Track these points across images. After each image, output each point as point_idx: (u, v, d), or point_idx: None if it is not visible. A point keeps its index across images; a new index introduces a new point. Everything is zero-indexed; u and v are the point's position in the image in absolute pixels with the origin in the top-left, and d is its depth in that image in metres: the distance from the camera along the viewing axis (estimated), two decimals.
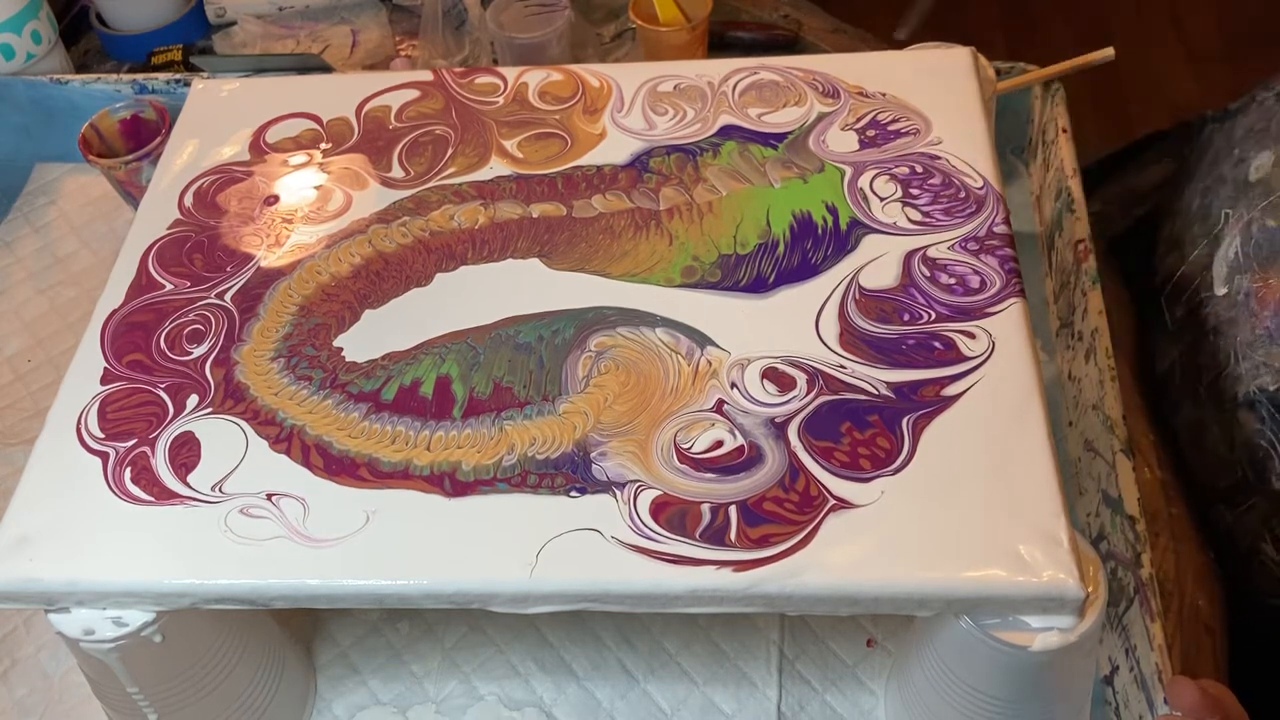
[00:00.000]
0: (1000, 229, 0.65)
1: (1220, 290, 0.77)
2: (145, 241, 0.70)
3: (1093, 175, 0.83)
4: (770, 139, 0.72)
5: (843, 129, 0.72)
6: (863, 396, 0.59)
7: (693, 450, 0.58)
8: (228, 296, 0.67)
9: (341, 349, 0.64)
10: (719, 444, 0.58)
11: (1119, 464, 0.68)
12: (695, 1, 0.97)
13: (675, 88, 0.76)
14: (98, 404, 0.62)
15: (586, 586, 0.54)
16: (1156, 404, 0.81)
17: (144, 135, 0.91)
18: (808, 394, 0.59)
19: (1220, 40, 1.86)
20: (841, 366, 0.60)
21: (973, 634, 0.54)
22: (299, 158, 0.75)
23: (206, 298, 0.67)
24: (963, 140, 0.70)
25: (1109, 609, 0.65)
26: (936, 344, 0.60)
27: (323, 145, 0.75)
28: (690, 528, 0.55)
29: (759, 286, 0.64)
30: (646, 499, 0.56)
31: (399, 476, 0.58)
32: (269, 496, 0.58)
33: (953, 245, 0.65)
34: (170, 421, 0.61)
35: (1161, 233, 0.85)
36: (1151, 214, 0.87)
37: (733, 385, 0.60)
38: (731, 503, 0.55)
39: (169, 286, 0.68)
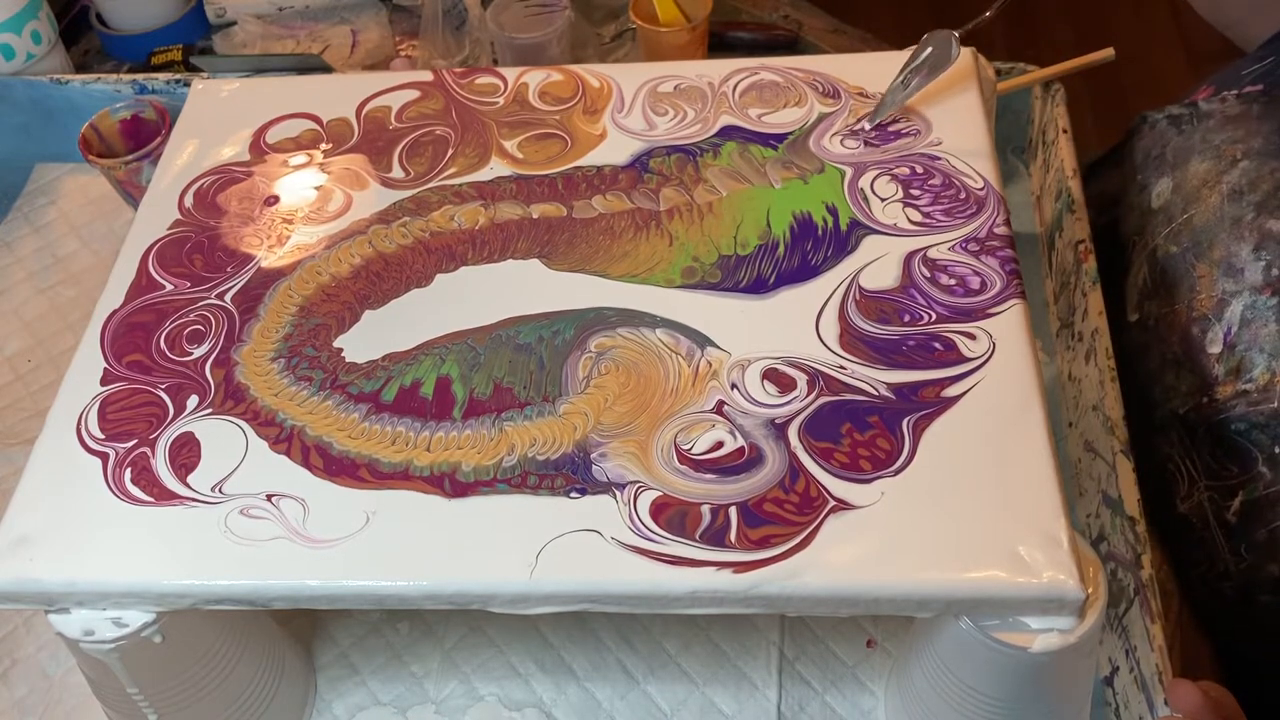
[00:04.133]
0: (1001, 230, 0.65)
1: (1132, 316, 0.78)
2: (145, 242, 0.70)
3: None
4: (770, 139, 0.72)
5: (843, 129, 0.72)
6: (863, 397, 0.59)
7: (693, 451, 0.58)
8: (228, 297, 0.67)
9: (341, 349, 0.64)
10: (719, 445, 0.58)
11: (1119, 465, 0.68)
12: (695, 1, 0.97)
13: (675, 88, 0.76)
14: (98, 404, 0.62)
15: (586, 587, 0.54)
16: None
17: (144, 135, 0.91)
18: (808, 395, 0.59)
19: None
20: (842, 367, 0.60)
21: (972, 635, 0.54)
22: (299, 158, 0.75)
23: (207, 298, 0.67)
24: (963, 141, 0.70)
25: (1109, 610, 0.65)
26: (937, 345, 0.60)
27: (323, 145, 0.75)
28: (690, 529, 0.55)
29: (759, 287, 0.64)
30: (646, 500, 0.56)
31: (399, 477, 0.58)
32: (269, 497, 0.58)
33: (953, 246, 0.65)
34: (170, 422, 0.61)
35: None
36: (1109, 224, 0.88)
37: (733, 386, 0.60)
38: (732, 504, 0.55)
39: (169, 287, 0.68)
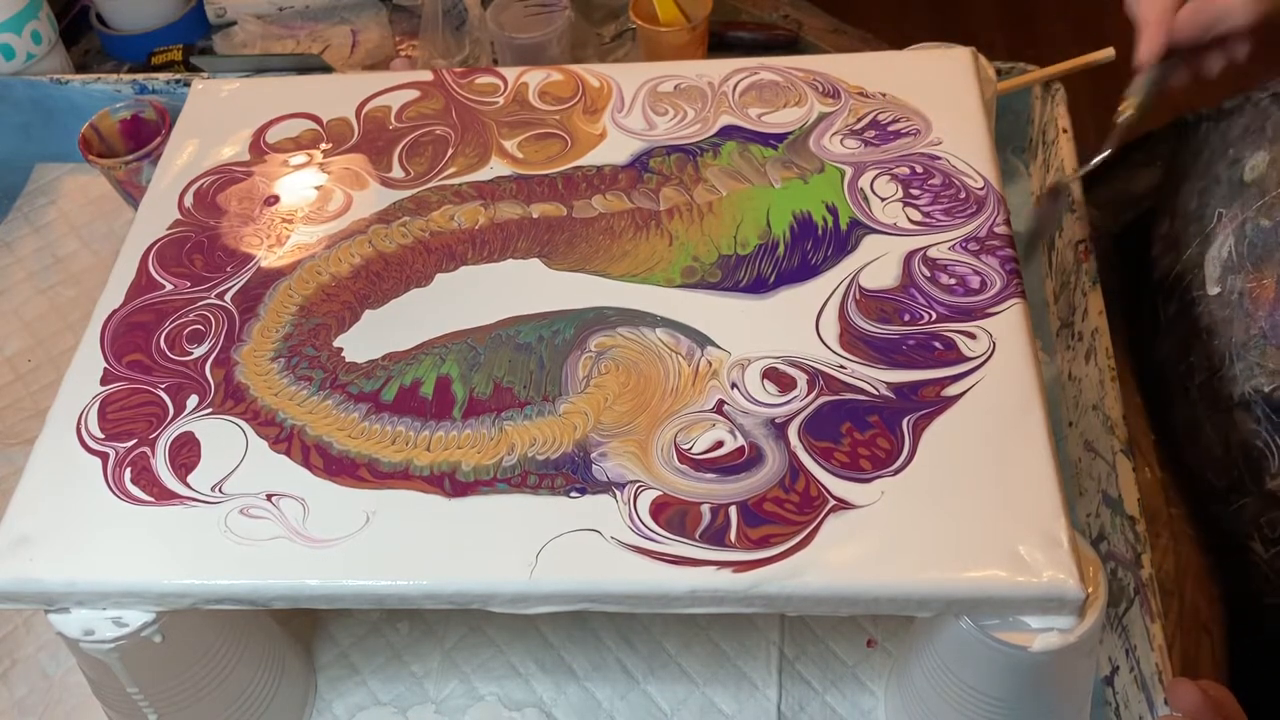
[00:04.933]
0: (1000, 229, 0.65)
1: (1213, 289, 0.77)
2: (145, 242, 0.70)
3: (1084, 178, 0.83)
4: (770, 139, 0.72)
5: (843, 129, 0.72)
6: (863, 397, 0.59)
7: (693, 451, 0.58)
8: (228, 297, 0.67)
9: (341, 349, 0.64)
10: (719, 444, 0.58)
11: (1119, 464, 0.68)
12: (695, 1, 0.97)
13: (675, 88, 0.76)
14: (98, 404, 0.62)
15: (586, 587, 0.54)
16: (1151, 402, 0.81)
17: (144, 135, 0.91)
18: (808, 394, 0.59)
19: None
20: (842, 367, 0.60)
21: (973, 634, 0.54)
22: (299, 158, 0.75)
23: (206, 298, 0.67)
24: (963, 140, 0.70)
25: (1109, 609, 0.65)
26: (937, 344, 0.60)
27: (323, 145, 0.75)
28: (690, 528, 0.55)
29: (759, 287, 0.64)
30: (646, 499, 0.56)
31: (399, 477, 0.58)
32: (269, 497, 0.58)
33: (953, 245, 0.65)
34: (170, 422, 0.61)
35: (1157, 231, 0.85)
36: (1144, 215, 0.87)
37: (733, 385, 0.60)
38: (731, 503, 0.55)
39: (169, 287, 0.68)
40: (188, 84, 0.93)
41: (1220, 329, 0.76)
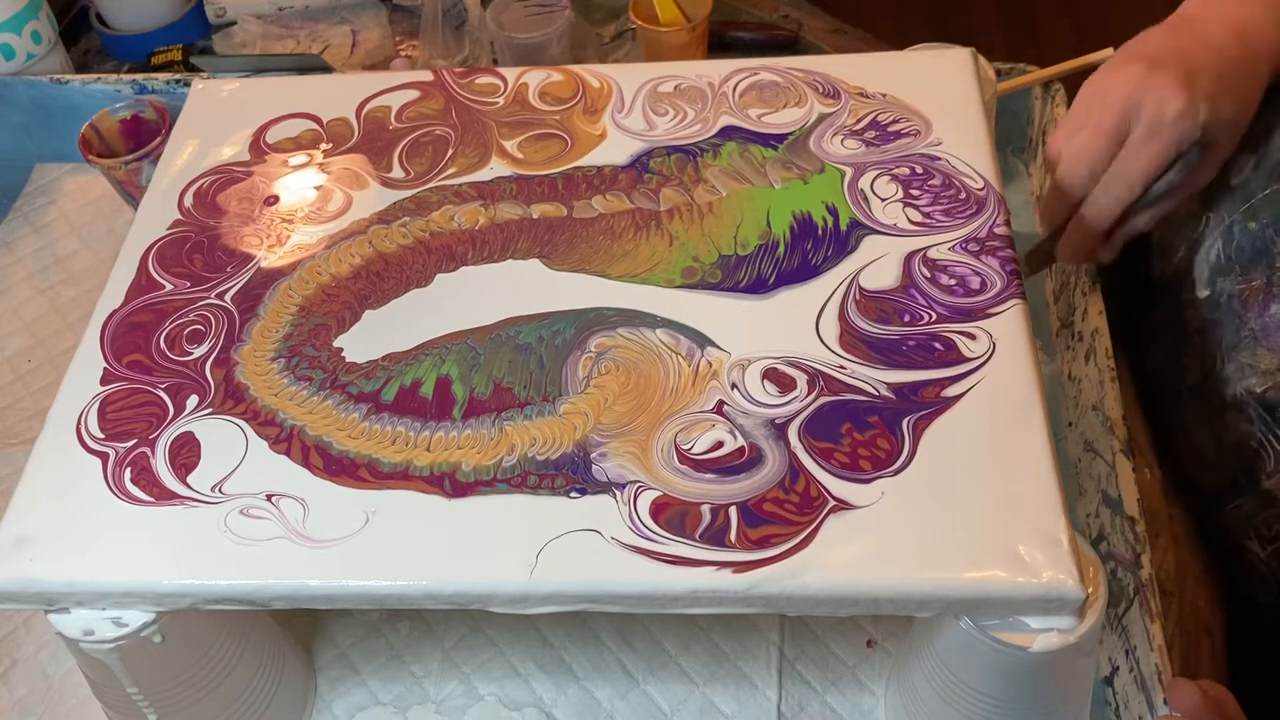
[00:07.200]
0: (1001, 230, 0.65)
1: (1202, 292, 0.77)
2: (145, 242, 0.70)
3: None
4: (770, 139, 0.72)
5: (843, 130, 0.72)
6: (863, 397, 0.59)
7: (693, 451, 0.58)
8: (228, 297, 0.67)
9: (342, 349, 0.64)
10: (719, 445, 0.58)
11: (1119, 464, 0.68)
12: (695, 1, 0.97)
13: (675, 88, 0.76)
14: (98, 404, 0.62)
15: (586, 587, 0.54)
16: (1147, 404, 0.81)
17: (144, 135, 0.91)
18: (808, 395, 0.59)
19: None
20: (842, 367, 0.60)
21: (972, 634, 0.54)
22: (299, 158, 0.75)
23: (206, 298, 0.67)
24: (963, 141, 0.70)
25: (1109, 610, 0.65)
26: (937, 345, 0.60)
27: (323, 145, 0.75)
28: (690, 528, 0.55)
29: (759, 287, 0.64)
30: (646, 500, 0.56)
31: (399, 477, 0.58)
32: (269, 497, 0.58)
33: (953, 246, 0.65)
34: (170, 422, 0.61)
35: (1150, 235, 0.85)
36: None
37: (733, 386, 0.60)
38: (732, 503, 0.55)
39: (169, 287, 0.68)
40: (188, 84, 0.93)
41: (1210, 331, 0.76)
